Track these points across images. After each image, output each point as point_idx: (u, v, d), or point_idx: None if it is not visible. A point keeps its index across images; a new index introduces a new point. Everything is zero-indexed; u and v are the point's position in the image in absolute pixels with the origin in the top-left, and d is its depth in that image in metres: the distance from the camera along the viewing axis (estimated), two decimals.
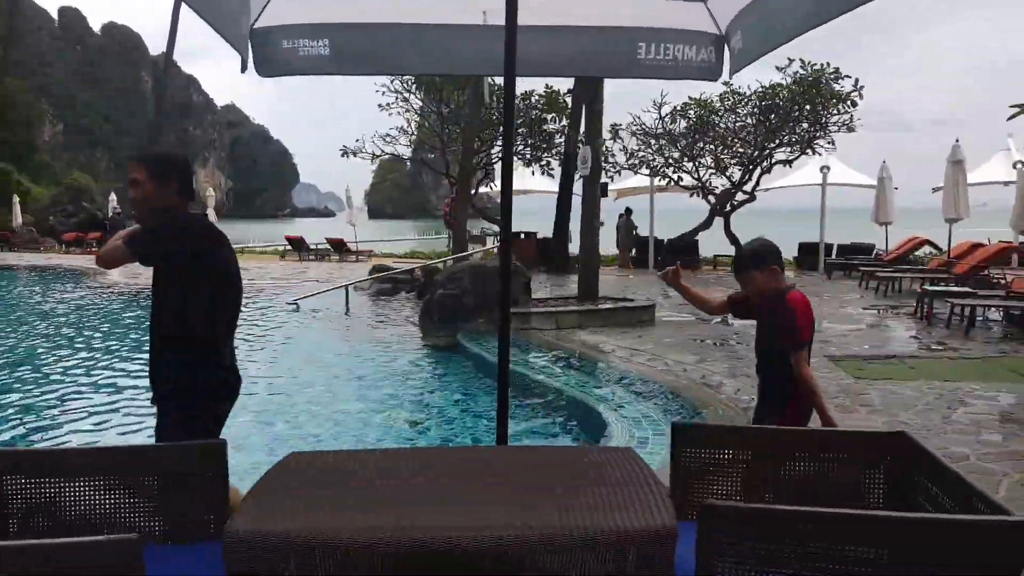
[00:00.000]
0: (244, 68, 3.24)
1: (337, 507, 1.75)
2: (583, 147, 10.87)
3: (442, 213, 22.48)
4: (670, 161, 17.79)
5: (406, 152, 20.56)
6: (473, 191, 21.19)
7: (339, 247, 23.91)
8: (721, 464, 2.41)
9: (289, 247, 25.26)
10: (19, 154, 77.72)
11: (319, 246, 24.65)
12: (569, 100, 18.17)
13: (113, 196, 33.95)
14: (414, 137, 21.57)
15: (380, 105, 20.13)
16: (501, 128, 19.63)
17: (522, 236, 19.60)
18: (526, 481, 1.96)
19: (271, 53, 3.32)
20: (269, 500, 1.81)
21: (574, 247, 20.52)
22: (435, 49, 3.42)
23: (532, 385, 7.35)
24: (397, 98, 19.96)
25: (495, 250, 21.21)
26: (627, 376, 7.20)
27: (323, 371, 8.09)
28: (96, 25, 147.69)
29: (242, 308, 2.87)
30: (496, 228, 22.94)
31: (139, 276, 17.45)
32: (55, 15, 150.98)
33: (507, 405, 2.89)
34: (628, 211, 20.56)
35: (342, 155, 20.38)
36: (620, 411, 5.97)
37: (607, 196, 17.11)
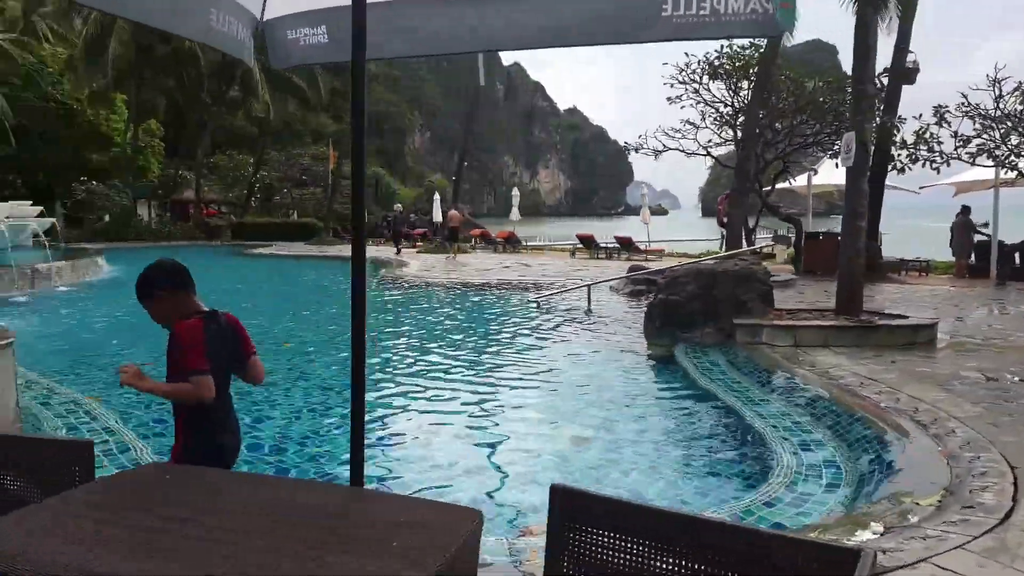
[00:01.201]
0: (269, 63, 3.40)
1: (111, 543, 1.55)
2: (846, 133, 9.30)
3: (716, 211, 21.15)
4: (1020, 150, 14.30)
5: (691, 147, 19.62)
6: (769, 187, 19.56)
7: (627, 245, 24.01)
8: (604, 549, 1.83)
9: (580, 245, 26.08)
10: (391, 160, 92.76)
11: (608, 244, 25.00)
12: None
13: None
14: (705, 130, 20.55)
15: (669, 98, 19.58)
16: (795, 118, 17.99)
17: (820, 236, 17.51)
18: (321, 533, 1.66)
19: (279, 45, 3.40)
20: (54, 514, 1.69)
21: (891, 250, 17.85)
22: (421, 28, 3.18)
23: (709, 409, 6.53)
24: (687, 89, 19.22)
25: (768, 249, 19.36)
26: (825, 405, 6.01)
27: (516, 366, 8.17)
28: None
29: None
30: (787, 228, 20.89)
31: (432, 269, 19.48)
32: None
33: (362, 439, 2.47)
34: (965, 209, 17.11)
35: (624, 150, 20.28)
36: (772, 451, 5.00)
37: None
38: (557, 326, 10.99)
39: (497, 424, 6.06)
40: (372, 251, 27.79)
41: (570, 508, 1.93)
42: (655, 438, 5.72)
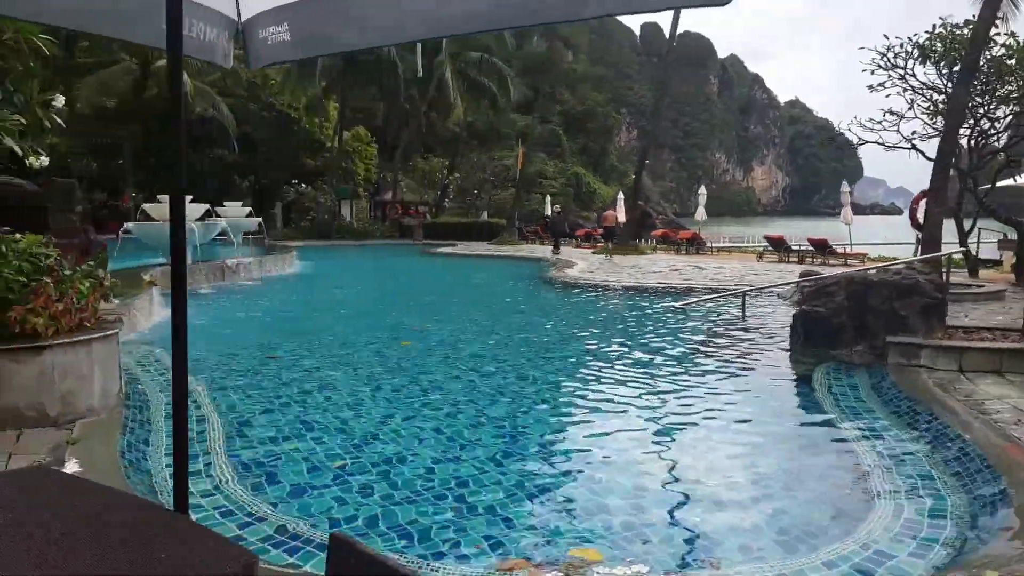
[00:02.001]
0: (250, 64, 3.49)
1: None
2: None
3: (910, 210, 18.57)
4: None
5: (892, 139, 17.50)
6: (989, 184, 17.00)
7: (821, 248, 22.07)
8: None
9: (769, 247, 24.39)
10: (595, 159, 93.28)
11: (801, 247, 23.16)
12: None
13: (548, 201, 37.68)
14: (915, 120, 18.28)
15: (870, 87, 17.68)
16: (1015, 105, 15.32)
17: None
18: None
19: (253, 46, 3.45)
20: None
21: None
22: (377, 18, 3.05)
23: (822, 441, 5.74)
24: (890, 76, 17.21)
25: (971, 253, 16.65)
26: (960, 446, 5.01)
27: (631, 377, 7.74)
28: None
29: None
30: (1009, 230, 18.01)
31: (595, 271, 19.24)
32: (637, 31, 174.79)
33: (186, 463, 2.33)
34: None
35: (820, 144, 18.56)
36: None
37: None
38: (697, 336, 10.30)
39: (589, 445, 5.65)
40: (526, 249, 28.18)
41: (344, 562, 1.74)
42: (726, 465, 5.11)
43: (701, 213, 30.92)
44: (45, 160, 6.07)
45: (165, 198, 15.40)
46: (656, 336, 10.10)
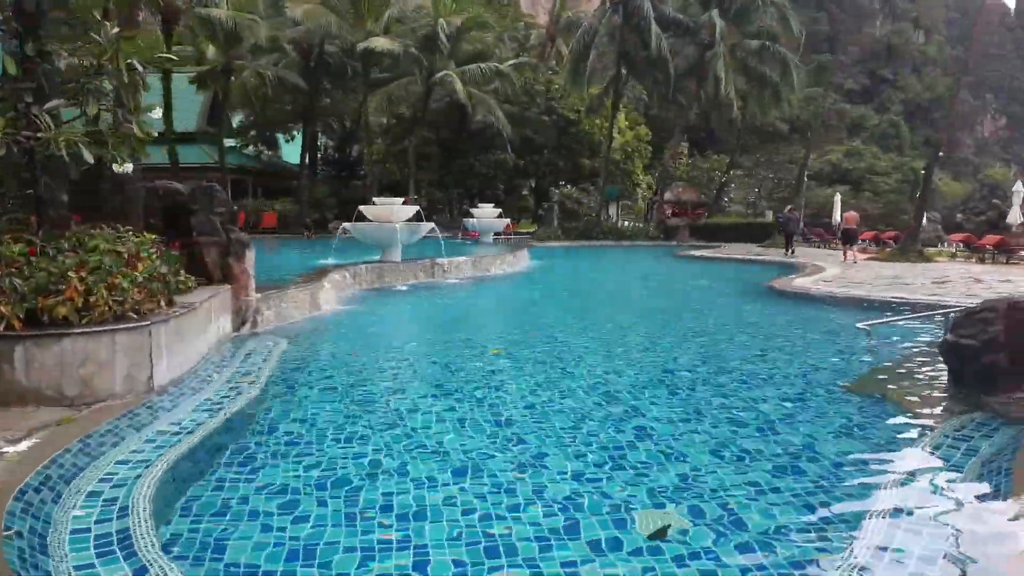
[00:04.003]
0: None
1: None
2: None
3: None
4: None
5: None
6: None
7: None
8: None
9: None
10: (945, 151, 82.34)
11: None
12: None
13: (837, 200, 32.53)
14: None
15: None
16: None
17: None
18: None
19: None
20: None
21: None
22: None
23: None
24: None
25: None
26: None
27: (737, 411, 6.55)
28: None
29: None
30: None
31: (831, 280, 16.84)
32: (1010, 2, 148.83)
33: None
34: None
35: None
36: None
37: None
38: (866, 362, 8.40)
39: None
40: (797, 253, 25.36)
41: None
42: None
43: (1015, 215, 25.14)
44: (130, 166, 6.91)
45: (380, 200, 16.88)
46: (826, 361, 8.42)
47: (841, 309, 12.84)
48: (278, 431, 5.66)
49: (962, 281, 16.50)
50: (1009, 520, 4.05)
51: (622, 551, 3.76)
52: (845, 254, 22.79)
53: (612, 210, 41.07)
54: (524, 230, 37.43)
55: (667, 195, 46.01)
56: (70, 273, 5.79)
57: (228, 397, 6.49)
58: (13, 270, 5.73)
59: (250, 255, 9.53)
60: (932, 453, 5.26)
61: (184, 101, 35.38)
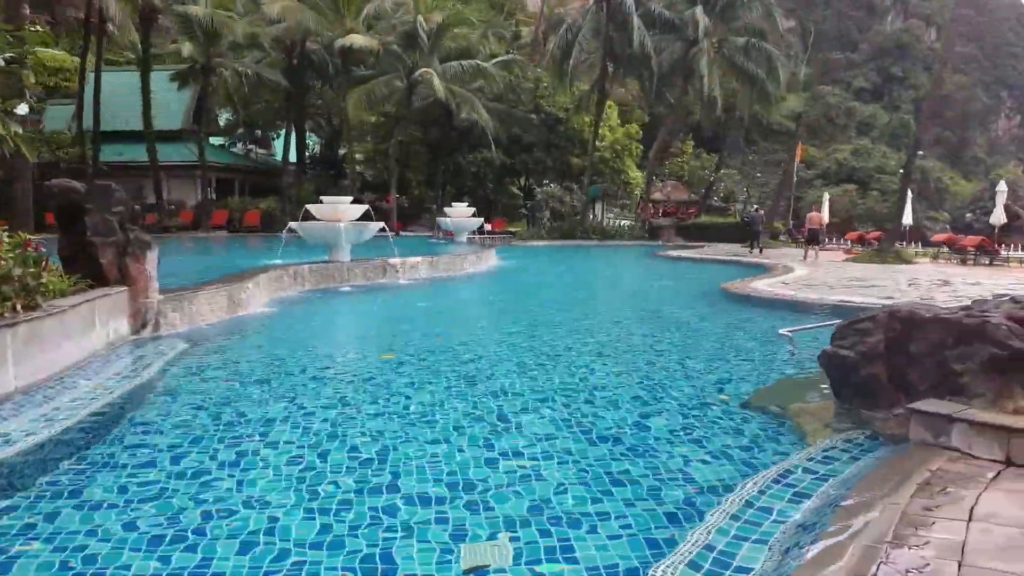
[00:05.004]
0: None
1: None
2: None
3: None
4: None
5: None
6: None
7: None
8: None
9: None
10: (955, 150, 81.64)
11: None
12: None
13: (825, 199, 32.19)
14: None
15: None
16: None
17: None
18: None
19: None
20: None
21: None
22: None
23: None
24: None
25: None
26: None
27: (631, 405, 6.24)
28: None
29: None
30: None
31: (791, 283, 16.52)
32: None
33: None
34: None
35: None
36: None
37: None
38: (781, 372, 8.07)
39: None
40: (775, 255, 24.99)
41: None
42: None
43: (999, 215, 24.48)
44: None
45: (327, 199, 16.61)
46: (728, 367, 8.09)
47: (787, 312, 12.49)
48: (112, 445, 5.35)
49: (927, 284, 16.10)
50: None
51: None
52: (806, 254, 22.84)
53: (598, 209, 40.67)
54: (513, 229, 37.14)
55: (657, 194, 45.62)
56: None
57: (80, 405, 6.24)
58: None
59: (151, 255, 9.28)
60: (782, 477, 4.91)
61: (168, 99, 35.30)
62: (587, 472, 4.82)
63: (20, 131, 6.49)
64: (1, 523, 4.02)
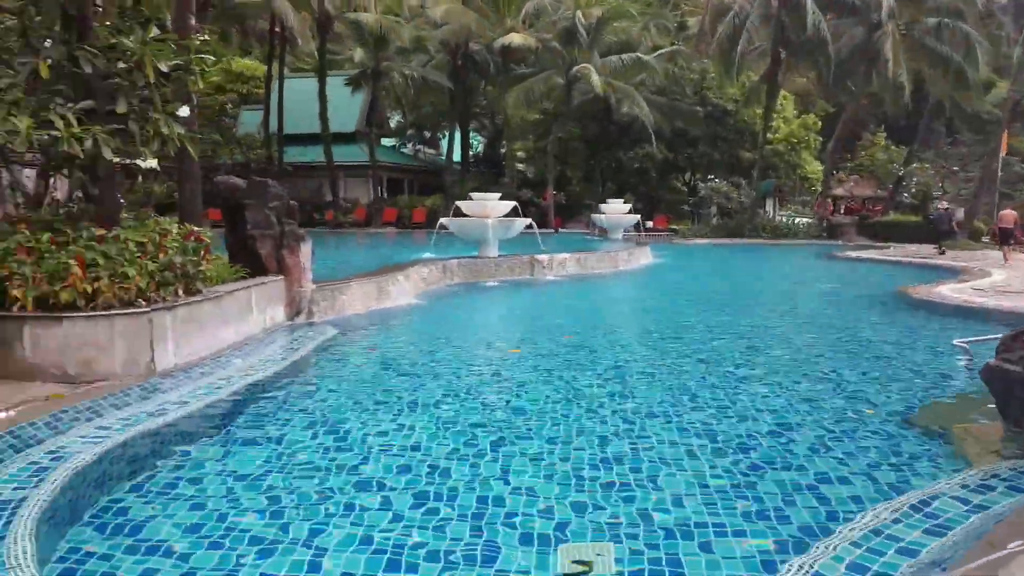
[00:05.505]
0: None
1: None
2: None
3: None
4: None
5: None
6: None
7: None
8: None
9: None
10: None
11: None
12: None
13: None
14: None
15: None
16: None
17: None
18: None
19: None
20: None
21: None
22: None
23: None
24: None
25: None
26: None
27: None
28: None
29: None
30: None
31: (987, 289, 14.97)
32: None
33: None
34: None
35: None
36: None
37: None
38: (953, 386, 7.29)
39: None
40: (966, 256, 22.54)
41: None
42: None
43: None
44: (153, 162, 7.45)
45: (476, 196, 17.02)
46: (913, 386, 7.43)
47: (976, 321, 11.21)
48: (260, 420, 5.85)
49: None
50: None
51: None
52: (1005, 256, 20.36)
53: (769, 206, 38.76)
54: (676, 227, 36.27)
55: (839, 190, 42.81)
56: (71, 262, 6.33)
57: (228, 383, 6.83)
58: (27, 258, 6.36)
59: (305, 248, 9.97)
60: (923, 505, 4.40)
61: (343, 103, 37.82)
62: (707, 483, 4.60)
63: (183, 132, 7.15)
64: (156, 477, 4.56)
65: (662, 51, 36.58)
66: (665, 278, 18.47)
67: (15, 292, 6.23)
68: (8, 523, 3.75)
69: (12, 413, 5.40)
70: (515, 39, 31.45)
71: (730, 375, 7.50)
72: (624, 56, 33.66)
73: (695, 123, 38.41)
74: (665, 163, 39.70)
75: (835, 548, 3.74)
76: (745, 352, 8.81)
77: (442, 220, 16.83)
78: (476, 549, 3.72)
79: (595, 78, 31.04)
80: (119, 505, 4.20)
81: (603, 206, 28.57)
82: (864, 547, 3.74)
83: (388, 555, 3.63)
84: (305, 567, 3.51)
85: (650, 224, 35.34)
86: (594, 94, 33.24)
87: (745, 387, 7.01)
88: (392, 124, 47.17)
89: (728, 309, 12.68)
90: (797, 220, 37.32)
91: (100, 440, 5.08)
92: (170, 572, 3.47)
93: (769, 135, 37.28)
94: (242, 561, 3.57)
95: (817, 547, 3.75)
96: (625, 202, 28.82)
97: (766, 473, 4.78)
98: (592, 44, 33.21)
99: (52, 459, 4.66)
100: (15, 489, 4.15)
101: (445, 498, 4.30)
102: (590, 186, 41.02)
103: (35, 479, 4.31)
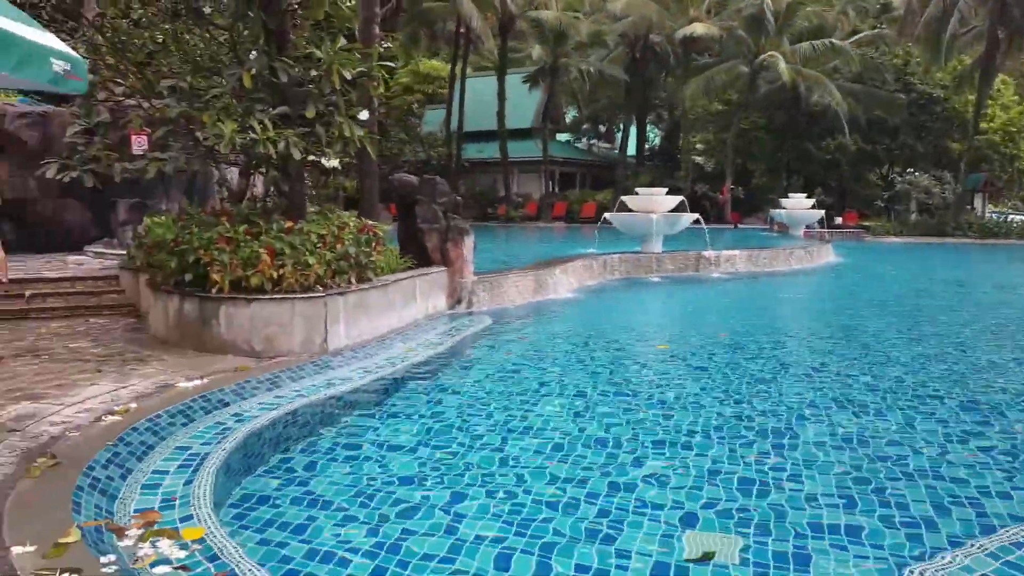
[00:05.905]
0: None
1: None
2: None
3: None
4: None
5: None
6: None
7: None
8: None
9: None
10: None
11: None
12: None
13: None
14: None
15: None
16: None
17: None
18: None
19: None
20: None
21: None
22: None
23: None
24: None
25: None
26: None
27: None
28: None
29: None
30: None
31: None
32: None
33: None
34: None
35: None
36: None
37: None
38: None
39: None
40: None
41: None
42: None
43: None
44: (335, 162, 8.29)
45: (642, 190, 16.99)
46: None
47: None
48: (415, 397, 6.49)
49: None
50: None
51: None
52: None
53: (977, 201, 35.15)
54: (868, 224, 33.95)
55: None
56: (262, 251, 7.27)
57: (389, 363, 7.55)
58: (226, 246, 7.38)
59: (468, 241, 10.60)
60: None
61: (520, 100, 38.90)
62: (850, 485, 4.53)
63: (362, 133, 7.92)
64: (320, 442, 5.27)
65: (861, 35, 34.26)
66: (845, 280, 17.35)
67: (215, 276, 7.26)
68: (196, 470, 4.52)
69: (206, 380, 6.34)
70: (698, 28, 30.87)
71: (894, 379, 7.13)
72: (816, 42, 31.93)
73: (895, 111, 35.66)
74: (859, 154, 37.13)
75: None
76: (913, 360, 8.23)
77: (606, 215, 17.03)
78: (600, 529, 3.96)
79: (782, 66, 29.76)
80: (287, 465, 4.89)
81: (784, 200, 27.38)
82: None
83: (515, 527, 3.96)
84: (443, 529, 3.93)
85: (839, 220, 33.31)
86: (781, 82, 31.87)
87: (903, 391, 6.65)
88: (567, 119, 47.79)
89: (906, 316, 11.86)
90: (1011, 218, 33.58)
91: (276, 406, 5.89)
92: (325, 520, 4.03)
93: (983, 124, 33.81)
94: (387, 517, 4.07)
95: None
96: (809, 196, 27.41)
97: (919, 477, 4.63)
98: (781, 30, 31.83)
99: (235, 420, 5.48)
100: (203, 444, 4.97)
101: (575, 481, 4.58)
102: (774, 179, 39.26)
103: (219, 436, 5.12)
